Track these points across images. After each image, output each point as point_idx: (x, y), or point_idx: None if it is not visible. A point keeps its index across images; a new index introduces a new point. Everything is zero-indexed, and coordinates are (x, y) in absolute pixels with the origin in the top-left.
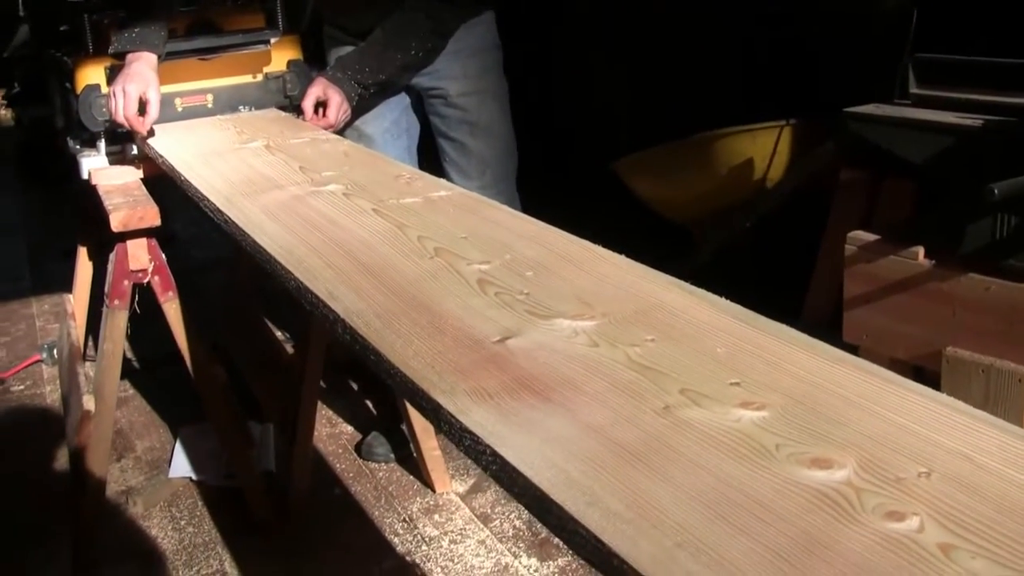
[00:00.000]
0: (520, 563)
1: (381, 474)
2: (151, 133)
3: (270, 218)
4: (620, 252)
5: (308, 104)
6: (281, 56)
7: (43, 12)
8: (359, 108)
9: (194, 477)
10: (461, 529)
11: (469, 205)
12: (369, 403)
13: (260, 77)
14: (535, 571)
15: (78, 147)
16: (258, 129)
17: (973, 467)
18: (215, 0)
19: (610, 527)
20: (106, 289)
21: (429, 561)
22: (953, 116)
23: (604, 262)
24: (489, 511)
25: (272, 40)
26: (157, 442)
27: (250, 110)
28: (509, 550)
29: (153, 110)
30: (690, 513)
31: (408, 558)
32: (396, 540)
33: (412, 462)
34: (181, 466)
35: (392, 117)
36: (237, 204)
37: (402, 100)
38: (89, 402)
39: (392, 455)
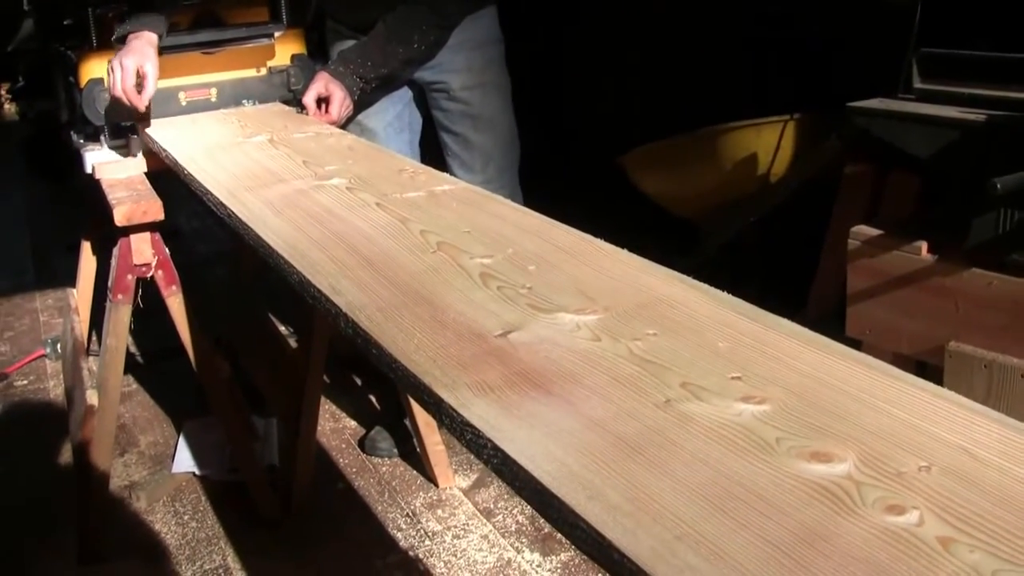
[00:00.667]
0: (523, 558)
1: (384, 469)
2: (148, 112)
3: (273, 212)
4: (625, 246)
5: (310, 100)
6: (285, 50)
7: (47, 6)
8: (361, 102)
9: (197, 472)
10: (464, 524)
11: (472, 199)
12: (373, 398)
13: (264, 71)
14: (538, 566)
15: (82, 141)
16: (262, 123)
17: (973, 461)
18: None
19: (610, 520)
20: (110, 283)
21: (432, 556)
22: (957, 111)
23: (606, 256)
24: (492, 506)
25: (276, 34)
26: (161, 437)
27: (254, 104)
28: (512, 545)
29: (150, 84)
30: (690, 506)
31: (411, 553)
32: (399, 535)
33: (415, 457)
34: (184, 461)
35: (395, 111)
36: (240, 198)
37: (405, 94)
38: (93, 397)
39: (395, 450)
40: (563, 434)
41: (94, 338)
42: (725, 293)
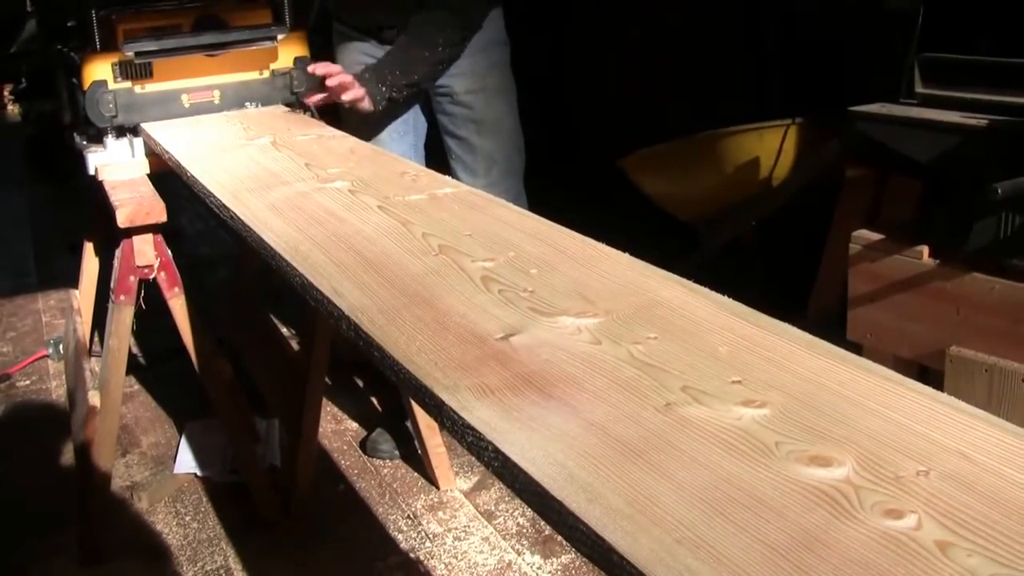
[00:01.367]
0: (524, 560)
1: (386, 471)
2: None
3: (276, 214)
4: (626, 249)
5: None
6: (288, 53)
7: (51, 7)
8: (384, 111)
9: (199, 473)
10: (465, 526)
11: (474, 202)
12: (374, 399)
13: (267, 73)
14: (538, 568)
15: (85, 143)
16: (264, 125)
17: (971, 466)
18: None
19: (610, 524)
20: (112, 284)
21: (433, 558)
22: (958, 115)
23: (607, 259)
24: (493, 508)
25: (279, 36)
26: (162, 437)
27: (257, 106)
28: (513, 547)
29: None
30: (690, 510)
31: (412, 555)
32: (400, 537)
33: (417, 459)
34: (186, 462)
35: (399, 114)
36: (243, 200)
37: (411, 99)
38: (95, 397)
39: (397, 452)
40: (564, 437)
41: (96, 339)
42: (726, 297)
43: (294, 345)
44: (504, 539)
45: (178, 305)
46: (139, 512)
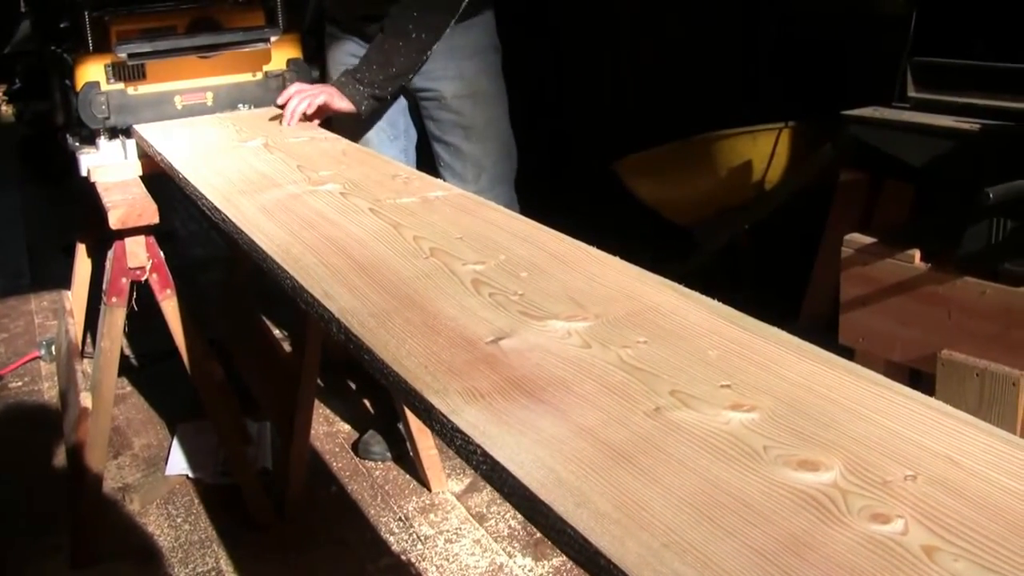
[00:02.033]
0: (515, 563)
1: (377, 473)
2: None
3: (267, 217)
4: (618, 253)
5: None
6: (281, 55)
7: (44, 8)
8: (376, 114)
9: (191, 474)
10: (456, 528)
11: (465, 205)
12: (366, 402)
13: (260, 75)
14: (529, 571)
15: (77, 144)
16: (257, 128)
17: (958, 470)
18: None
19: (598, 528)
20: (104, 286)
21: (424, 560)
22: (951, 120)
23: (598, 263)
24: (484, 511)
25: (272, 38)
26: (154, 439)
27: (250, 108)
28: (504, 550)
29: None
30: (677, 514)
31: (403, 557)
32: (392, 539)
33: (408, 461)
34: (178, 463)
35: (389, 118)
36: (235, 202)
37: (400, 102)
38: (87, 399)
39: (389, 454)
40: (552, 441)
41: (89, 340)
42: (716, 301)
43: (286, 347)
44: (495, 541)
45: (170, 307)
46: (131, 514)
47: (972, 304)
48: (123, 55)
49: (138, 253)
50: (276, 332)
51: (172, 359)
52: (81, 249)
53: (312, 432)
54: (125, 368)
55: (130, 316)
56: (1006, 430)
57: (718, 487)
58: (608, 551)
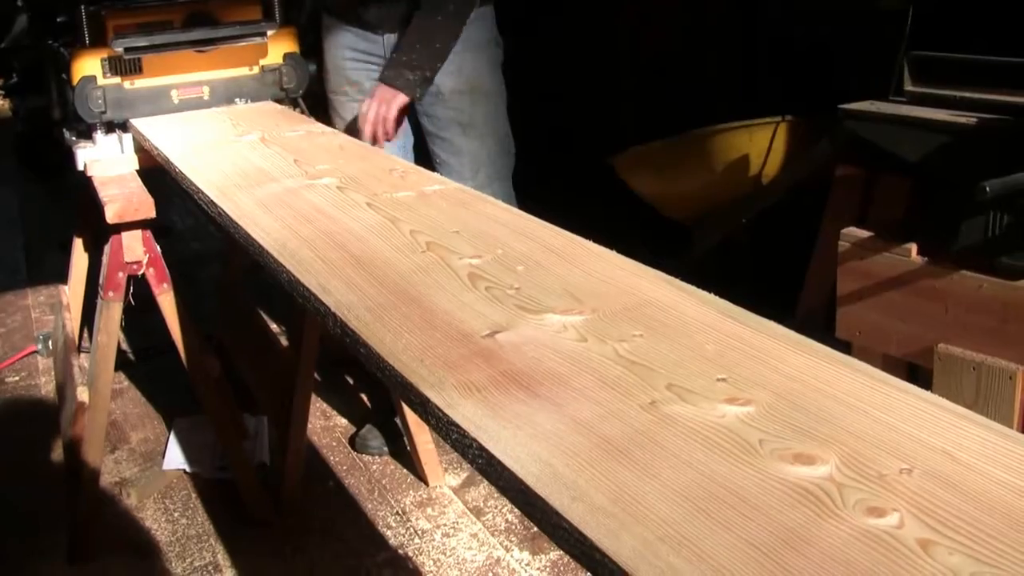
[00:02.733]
0: (512, 557)
1: (375, 467)
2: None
3: (264, 211)
4: (616, 247)
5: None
6: (278, 49)
7: (41, 2)
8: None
9: (188, 469)
10: (454, 522)
11: (462, 200)
12: (363, 396)
13: (256, 69)
14: (527, 565)
15: (74, 138)
16: (253, 122)
17: (955, 464)
18: None
19: (593, 521)
20: (101, 281)
21: (422, 554)
22: (948, 114)
23: (594, 257)
24: (482, 504)
25: (269, 32)
26: (151, 434)
27: (246, 102)
28: (501, 543)
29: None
30: (673, 508)
31: (401, 551)
32: (389, 533)
33: (406, 455)
34: (175, 458)
35: None
36: (231, 196)
37: None
38: (84, 393)
39: (386, 448)
40: (548, 435)
41: (85, 335)
42: (712, 295)
43: (283, 341)
44: (493, 535)
45: (167, 301)
46: (128, 508)
47: (969, 298)
48: (119, 49)
49: (135, 247)
50: (273, 327)
51: (169, 353)
52: (78, 243)
53: (309, 426)
54: (122, 363)
55: (127, 310)
56: (1003, 424)
57: (714, 481)
58: (604, 545)
